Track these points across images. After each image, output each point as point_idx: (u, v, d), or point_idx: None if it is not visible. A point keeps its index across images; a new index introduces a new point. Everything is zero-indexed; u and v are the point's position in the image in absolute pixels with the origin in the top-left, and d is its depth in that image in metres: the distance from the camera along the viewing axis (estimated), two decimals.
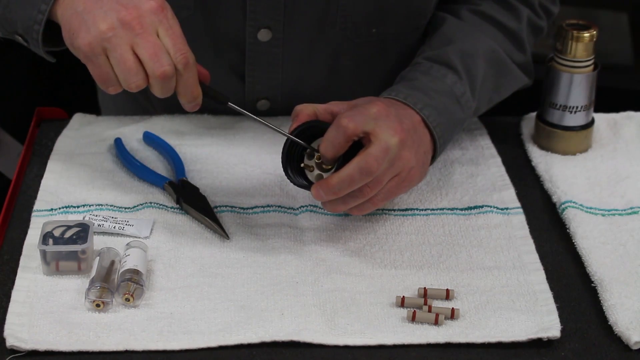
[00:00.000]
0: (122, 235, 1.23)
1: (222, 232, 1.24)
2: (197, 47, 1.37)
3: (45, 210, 1.26)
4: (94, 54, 1.14)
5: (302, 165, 1.20)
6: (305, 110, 1.20)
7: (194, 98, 1.17)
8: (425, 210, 1.30)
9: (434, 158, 1.27)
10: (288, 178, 1.20)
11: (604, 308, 1.14)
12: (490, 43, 1.36)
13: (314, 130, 1.20)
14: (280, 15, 1.35)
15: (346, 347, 1.09)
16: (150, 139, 1.39)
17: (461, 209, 1.30)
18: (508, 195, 1.32)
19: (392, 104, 1.23)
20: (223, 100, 1.20)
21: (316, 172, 1.20)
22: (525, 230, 1.26)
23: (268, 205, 1.29)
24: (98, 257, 1.16)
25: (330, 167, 1.19)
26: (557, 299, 1.15)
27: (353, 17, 1.37)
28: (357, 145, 1.18)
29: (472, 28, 1.37)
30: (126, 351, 1.07)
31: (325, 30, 1.38)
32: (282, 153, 1.20)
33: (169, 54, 1.14)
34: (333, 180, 1.15)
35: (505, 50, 1.37)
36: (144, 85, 1.15)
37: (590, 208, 1.29)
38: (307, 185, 1.19)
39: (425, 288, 1.15)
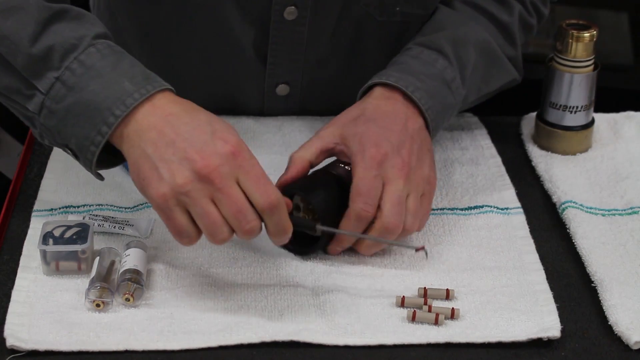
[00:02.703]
0: (122, 235, 1.23)
1: None
2: (221, 28, 1.36)
3: (45, 210, 1.26)
4: (168, 206, 1.07)
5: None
6: (299, 163, 1.21)
7: (285, 234, 1.11)
8: None
9: None
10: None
11: (604, 308, 1.14)
12: (483, 33, 1.37)
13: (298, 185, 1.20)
14: None
15: (346, 347, 1.08)
16: None
17: (461, 209, 1.30)
18: (508, 195, 1.32)
19: (386, 116, 1.23)
20: (312, 228, 1.16)
21: (301, 214, 1.21)
22: (525, 230, 1.26)
23: None
24: (98, 257, 1.16)
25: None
26: (557, 299, 1.15)
27: None
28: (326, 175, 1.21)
29: (464, 17, 1.38)
30: (126, 351, 1.07)
31: (350, 6, 1.37)
32: None
33: (252, 208, 1.08)
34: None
35: (497, 42, 1.38)
36: (230, 238, 1.09)
37: (590, 208, 1.29)
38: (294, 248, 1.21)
39: (425, 288, 1.15)
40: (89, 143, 1.12)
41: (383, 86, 1.27)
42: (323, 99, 1.45)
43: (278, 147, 1.40)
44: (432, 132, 1.27)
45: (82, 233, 1.17)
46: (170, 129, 1.09)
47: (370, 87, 1.29)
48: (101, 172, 1.17)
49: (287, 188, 1.20)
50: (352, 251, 1.22)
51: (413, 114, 1.25)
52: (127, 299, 1.12)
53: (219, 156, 1.07)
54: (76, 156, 1.16)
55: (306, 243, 1.20)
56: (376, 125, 1.22)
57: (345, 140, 1.22)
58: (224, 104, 1.43)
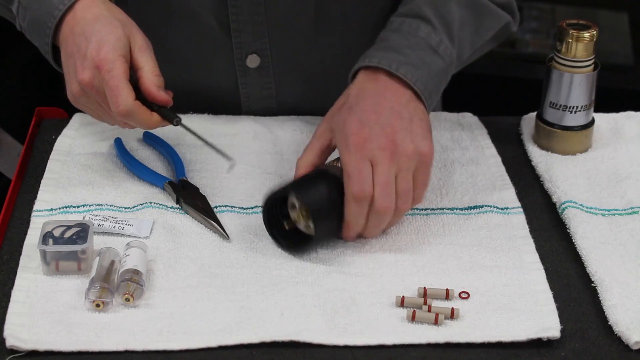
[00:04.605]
0: (122, 235, 1.23)
1: (222, 232, 1.24)
2: (182, 2, 1.38)
3: (45, 210, 1.26)
4: (78, 105, 1.27)
5: (286, 227, 1.22)
6: (304, 168, 1.23)
7: (150, 127, 1.25)
8: (425, 210, 1.29)
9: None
10: (275, 242, 1.23)
11: (604, 308, 1.14)
12: None
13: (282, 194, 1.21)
14: None
15: (346, 347, 1.09)
16: (150, 139, 1.39)
17: (461, 209, 1.30)
18: (508, 195, 1.32)
19: (369, 97, 1.23)
20: (175, 121, 1.23)
21: (303, 222, 1.21)
22: (525, 230, 1.26)
23: None
24: (98, 257, 1.16)
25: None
26: (557, 299, 1.15)
27: None
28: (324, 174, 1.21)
29: None
30: (126, 351, 1.07)
31: None
32: (263, 218, 1.22)
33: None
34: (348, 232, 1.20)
35: None
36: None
37: (590, 208, 1.29)
38: (294, 248, 1.21)
39: (425, 288, 1.15)
40: (44, 52, 1.30)
41: (367, 69, 1.27)
42: (296, 71, 1.45)
43: (278, 147, 1.40)
44: (428, 100, 1.27)
45: (82, 233, 1.18)
46: (71, 41, 1.25)
47: (356, 72, 1.28)
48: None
49: (282, 187, 1.20)
50: (352, 251, 1.22)
51: (398, 89, 1.25)
52: (127, 299, 1.12)
53: (89, 70, 1.22)
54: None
55: (301, 242, 1.20)
56: (359, 109, 1.22)
57: (333, 132, 1.23)
58: (197, 85, 1.43)
